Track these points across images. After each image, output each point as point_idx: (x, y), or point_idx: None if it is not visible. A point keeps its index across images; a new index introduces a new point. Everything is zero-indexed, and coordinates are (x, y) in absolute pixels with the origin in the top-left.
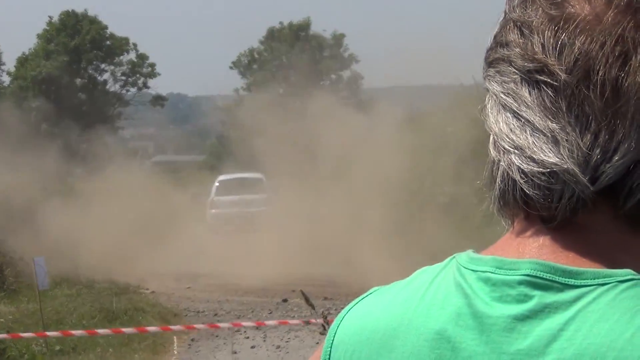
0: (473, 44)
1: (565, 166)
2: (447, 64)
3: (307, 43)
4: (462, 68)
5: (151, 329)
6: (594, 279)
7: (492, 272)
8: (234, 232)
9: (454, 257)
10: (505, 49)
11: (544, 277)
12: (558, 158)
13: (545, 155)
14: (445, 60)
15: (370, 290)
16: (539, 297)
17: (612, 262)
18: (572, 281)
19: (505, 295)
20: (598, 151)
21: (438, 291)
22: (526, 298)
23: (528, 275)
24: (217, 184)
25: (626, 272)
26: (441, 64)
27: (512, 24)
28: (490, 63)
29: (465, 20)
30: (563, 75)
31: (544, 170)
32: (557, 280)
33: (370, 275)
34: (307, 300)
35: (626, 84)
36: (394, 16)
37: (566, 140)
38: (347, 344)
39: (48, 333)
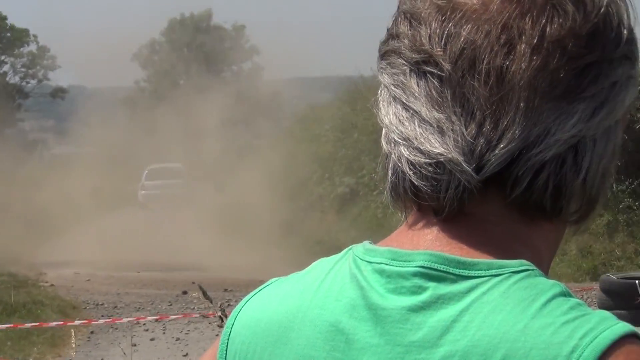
0: (373, 35)
1: (450, 156)
2: (347, 55)
3: (208, 35)
4: (362, 59)
5: (52, 324)
6: (488, 270)
7: (386, 264)
8: (159, 210)
9: (351, 248)
10: (396, 41)
11: (438, 268)
12: (443, 148)
13: (431, 146)
14: (345, 52)
15: (268, 282)
16: (433, 289)
17: (506, 253)
18: (465, 272)
19: (400, 287)
20: (482, 140)
21: (334, 283)
22: (420, 289)
23: (422, 266)
24: (146, 171)
25: (520, 263)
26: (341, 55)
27: (402, 15)
28: (382, 55)
29: (366, 11)
30: (447, 65)
31: (430, 161)
32: (450, 271)
33: (270, 267)
34: (204, 294)
35: (511, 72)
36: (294, 8)
37: (451, 130)
38: (244, 336)
39: None
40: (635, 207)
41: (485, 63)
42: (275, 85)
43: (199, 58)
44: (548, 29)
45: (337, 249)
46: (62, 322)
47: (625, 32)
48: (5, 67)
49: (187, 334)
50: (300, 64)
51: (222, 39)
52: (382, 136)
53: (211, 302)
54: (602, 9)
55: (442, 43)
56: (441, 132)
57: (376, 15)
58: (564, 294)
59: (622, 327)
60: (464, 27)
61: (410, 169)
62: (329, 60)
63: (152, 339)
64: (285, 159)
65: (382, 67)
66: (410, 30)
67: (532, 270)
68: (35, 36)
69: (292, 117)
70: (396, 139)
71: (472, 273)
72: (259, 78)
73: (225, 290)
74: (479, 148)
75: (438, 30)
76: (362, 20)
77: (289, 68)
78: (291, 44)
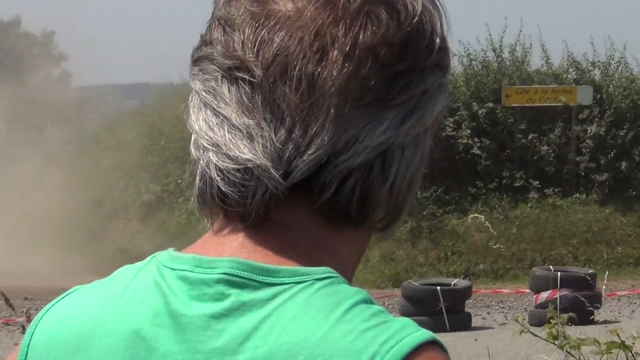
0: (185, 43)
1: (259, 162)
2: (158, 62)
3: (16, 41)
4: (173, 67)
5: None
6: (291, 277)
7: (190, 271)
8: None
9: (155, 255)
10: (209, 47)
11: (241, 275)
12: (252, 154)
13: (240, 152)
14: (156, 59)
15: (70, 290)
16: (236, 296)
17: (311, 260)
18: (269, 279)
19: (203, 294)
20: (291, 146)
21: (137, 290)
22: (223, 296)
23: (225, 273)
24: None
25: (323, 270)
26: (152, 63)
27: (217, 22)
28: (195, 62)
29: (178, 18)
30: (258, 71)
31: (238, 167)
32: (254, 278)
33: (73, 274)
34: (7, 301)
35: (322, 79)
36: (105, 15)
37: (261, 135)
38: (44, 344)
39: None
40: (438, 214)
41: (297, 69)
42: (83, 92)
43: (5, 64)
44: (361, 37)
45: (141, 257)
46: None
47: (437, 40)
48: None
49: None
50: (110, 70)
51: (31, 45)
52: (191, 142)
53: (13, 309)
54: (416, 18)
55: (255, 49)
56: (250, 138)
57: (189, 22)
58: (366, 301)
59: (423, 334)
60: (278, 33)
61: (218, 175)
62: (139, 67)
63: None
64: (91, 166)
65: (194, 74)
66: (223, 36)
67: (336, 277)
68: None
69: (99, 124)
70: (205, 144)
71: (276, 280)
72: (66, 85)
73: (26, 298)
74: (288, 154)
75: (251, 37)
76: (174, 28)
77: (98, 75)
78: (101, 51)
